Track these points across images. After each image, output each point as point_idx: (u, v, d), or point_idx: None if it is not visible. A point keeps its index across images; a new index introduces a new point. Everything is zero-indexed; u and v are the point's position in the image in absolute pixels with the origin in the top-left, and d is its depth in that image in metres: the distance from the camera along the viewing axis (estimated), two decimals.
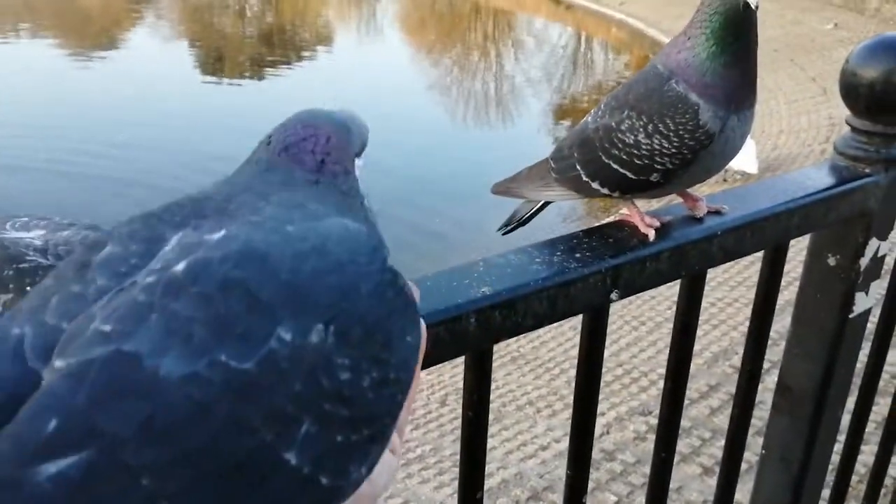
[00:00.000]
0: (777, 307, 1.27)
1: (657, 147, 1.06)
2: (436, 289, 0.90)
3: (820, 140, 10.44)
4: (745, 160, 8.86)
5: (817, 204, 1.21)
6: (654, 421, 1.93)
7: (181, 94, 14.33)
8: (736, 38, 1.04)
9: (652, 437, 3.86)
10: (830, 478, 1.60)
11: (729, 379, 4.79)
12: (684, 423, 4.33)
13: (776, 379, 1.44)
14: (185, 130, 12.06)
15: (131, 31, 21.66)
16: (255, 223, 0.50)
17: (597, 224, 1.11)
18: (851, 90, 1.27)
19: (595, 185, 1.12)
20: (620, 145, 1.08)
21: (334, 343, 0.46)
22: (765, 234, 1.15)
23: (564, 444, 1.81)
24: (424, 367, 0.89)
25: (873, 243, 1.30)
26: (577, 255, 0.99)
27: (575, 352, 1.15)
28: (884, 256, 1.34)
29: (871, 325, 1.46)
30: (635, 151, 1.07)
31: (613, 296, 1.01)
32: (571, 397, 1.08)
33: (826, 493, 1.61)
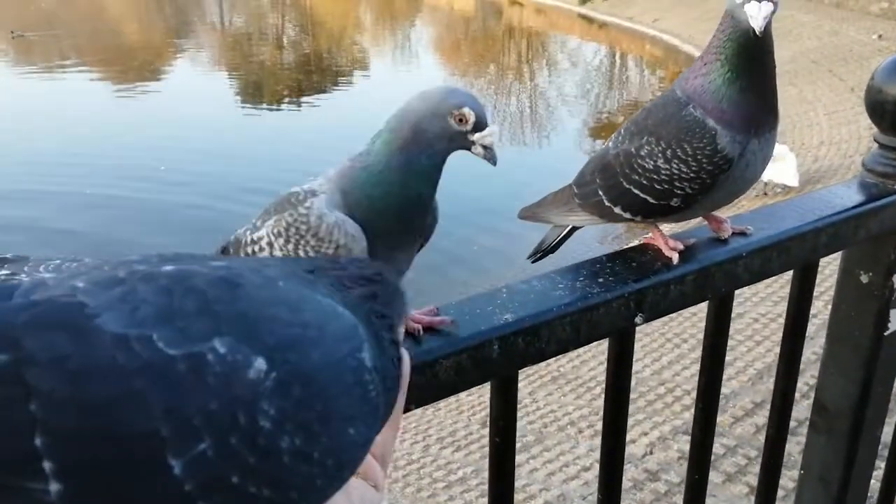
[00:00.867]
0: (815, 325, 1.26)
1: (676, 172, 1.06)
2: (459, 316, 0.91)
3: (861, 151, 10.25)
4: (786, 173, 8.73)
5: (846, 222, 1.20)
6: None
7: (220, 124, 14.59)
8: (750, 63, 1.04)
9: None
10: (873, 499, 1.57)
11: None
12: (729, 441, 4.27)
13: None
14: (225, 161, 12.26)
15: (172, 63, 22.17)
16: (251, 268, 0.54)
17: (620, 249, 1.11)
18: (877, 107, 1.26)
19: (617, 210, 1.13)
20: (640, 171, 1.08)
21: (269, 389, 0.46)
22: (792, 253, 1.15)
23: None
24: (452, 393, 0.90)
25: None
26: (601, 280, 1.00)
27: None
28: None
29: None
30: (655, 177, 1.07)
31: (638, 319, 1.02)
32: None
33: None
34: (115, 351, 0.44)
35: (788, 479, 2.70)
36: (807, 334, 1.29)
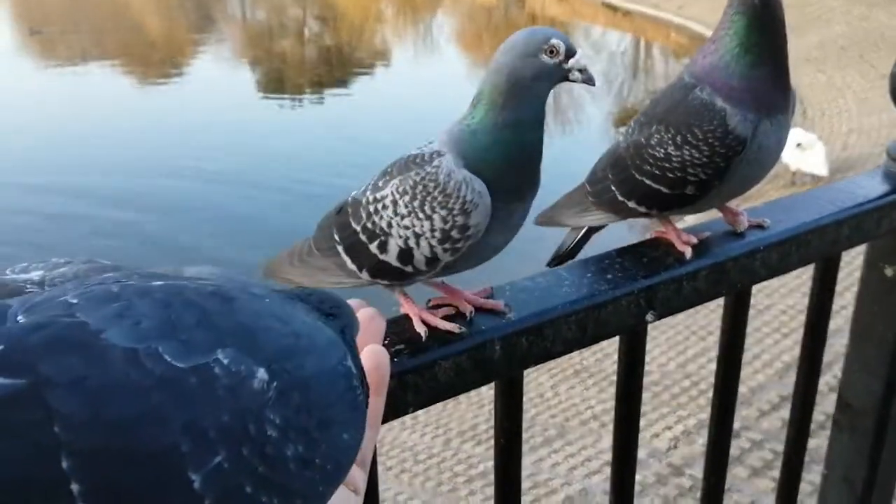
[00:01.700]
0: (843, 317, 1.21)
1: (688, 158, 1.02)
2: (458, 314, 0.88)
3: (894, 138, 10.07)
4: (815, 162, 8.58)
5: (869, 213, 1.15)
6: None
7: (243, 119, 14.63)
8: (760, 36, 1.00)
9: None
10: None
11: None
12: (755, 436, 4.21)
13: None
14: (247, 156, 12.29)
15: (193, 58, 22.27)
16: (239, 285, 0.54)
17: (630, 243, 1.07)
18: None
19: (632, 205, 1.09)
20: (651, 160, 1.05)
21: (272, 399, 0.47)
22: (811, 247, 1.10)
23: None
24: (452, 395, 0.87)
25: None
26: (609, 276, 0.96)
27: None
28: None
29: None
30: (667, 165, 1.03)
31: (649, 317, 0.98)
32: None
33: None
34: (128, 368, 0.45)
35: (816, 473, 2.65)
36: (832, 328, 1.24)
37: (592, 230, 1.20)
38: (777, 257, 1.07)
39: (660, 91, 1.12)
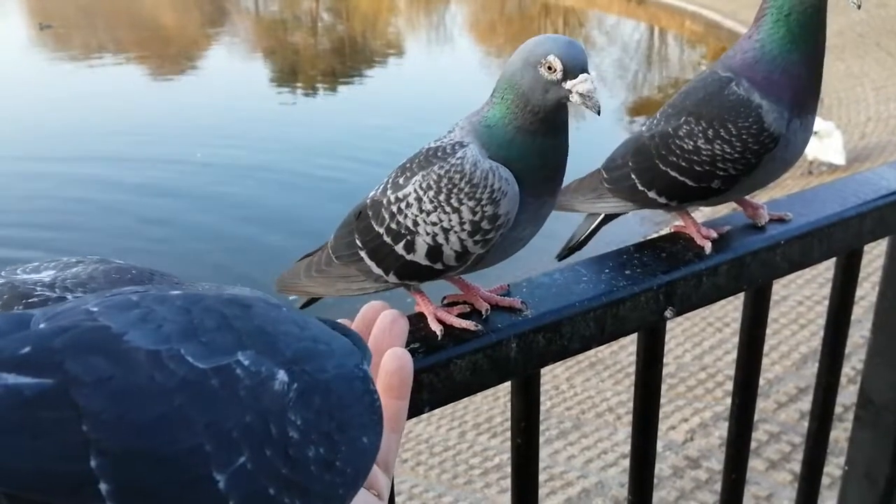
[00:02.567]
0: (863, 308, 1.19)
1: (719, 153, 1.00)
2: (474, 311, 0.87)
3: None
4: (832, 151, 8.48)
5: (893, 206, 1.12)
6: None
7: (256, 111, 14.63)
8: (809, 34, 0.98)
9: None
10: None
11: None
12: (772, 428, 4.18)
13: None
14: (262, 148, 12.30)
15: (207, 51, 22.30)
16: (256, 296, 0.55)
17: (648, 238, 1.05)
18: None
19: (651, 195, 1.07)
20: (679, 152, 1.02)
21: (293, 400, 0.48)
22: (834, 240, 1.08)
23: None
24: (468, 394, 0.86)
25: None
26: (627, 272, 0.95)
27: None
28: None
29: None
30: (695, 158, 1.01)
31: (668, 314, 0.96)
32: None
33: None
34: (152, 369, 0.45)
35: (833, 465, 2.62)
36: (854, 318, 1.22)
37: (607, 219, 1.18)
38: (799, 251, 1.05)
39: (689, 83, 1.09)
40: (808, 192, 1.16)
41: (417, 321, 0.86)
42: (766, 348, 1.13)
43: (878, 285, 1.29)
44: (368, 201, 0.91)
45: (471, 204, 0.82)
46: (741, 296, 1.09)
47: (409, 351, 0.81)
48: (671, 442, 4.20)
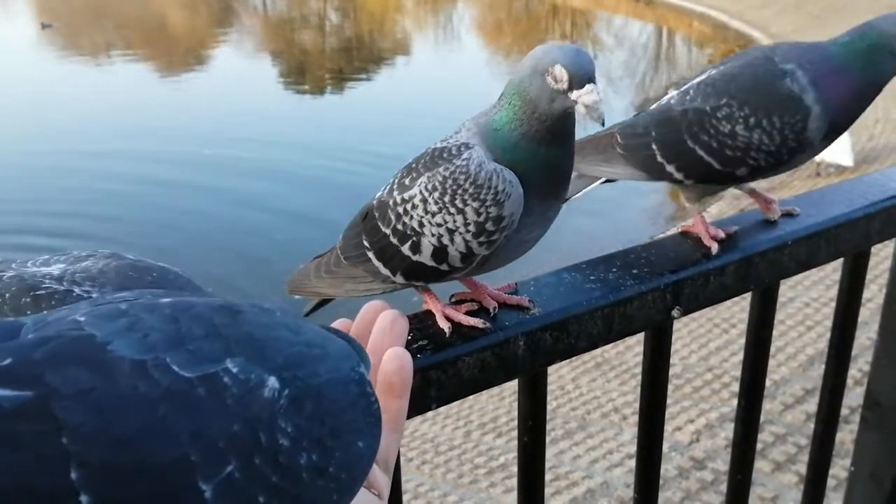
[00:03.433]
0: (869, 310, 1.19)
1: (755, 141, 0.99)
2: (482, 309, 0.87)
3: None
4: (840, 152, 8.47)
5: None
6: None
7: (264, 109, 14.67)
8: (882, 65, 0.99)
9: None
10: None
11: None
12: (778, 429, 4.16)
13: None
14: (269, 145, 12.34)
15: (216, 50, 22.34)
16: (249, 304, 0.54)
17: (656, 238, 1.05)
18: None
19: (669, 169, 1.04)
20: (713, 132, 1.00)
21: (284, 407, 0.47)
22: (841, 241, 1.08)
23: None
24: (475, 392, 0.86)
25: None
26: (635, 271, 0.95)
27: None
28: None
29: None
30: (729, 142, 1.00)
31: (675, 313, 0.96)
32: None
33: None
34: (135, 379, 0.45)
35: (839, 467, 2.61)
36: (861, 320, 1.22)
37: (604, 183, 1.14)
38: (806, 252, 1.05)
39: (731, 65, 1.05)
40: (815, 193, 1.16)
41: (426, 318, 0.86)
42: (772, 350, 1.13)
43: (886, 287, 1.29)
44: (375, 202, 0.92)
45: (475, 205, 0.82)
46: (748, 297, 1.09)
47: (418, 348, 0.82)
48: (677, 443, 4.20)
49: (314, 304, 1.01)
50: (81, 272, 0.83)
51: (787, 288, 5.73)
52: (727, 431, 4.35)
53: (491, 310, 0.87)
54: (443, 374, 0.81)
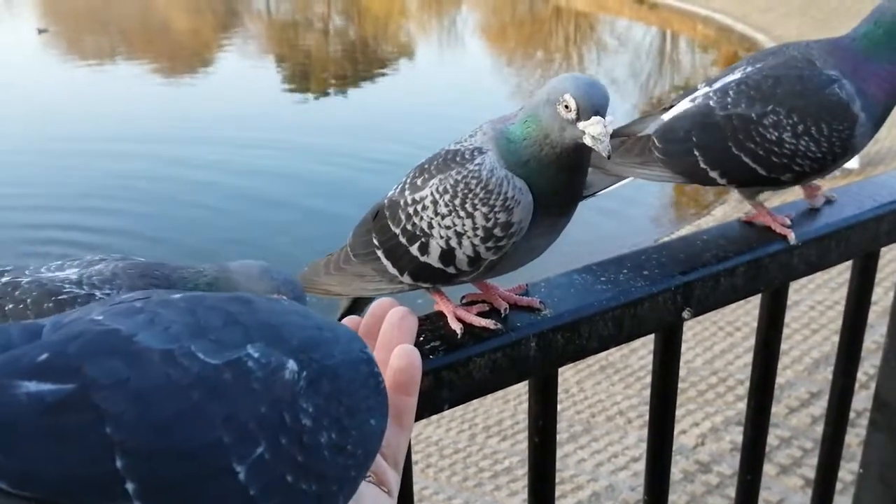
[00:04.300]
0: (875, 313, 1.19)
1: (803, 149, 0.99)
2: (493, 310, 0.87)
3: None
4: None
5: None
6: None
7: (269, 113, 14.70)
8: None
9: None
10: None
11: None
12: (784, 433, 4.16)
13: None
14: (273, 149, 12.36)
15: (220, 54, 22.38)
16: (255, 295, 0.56)
17: (666, 239, 1.06)
18: None
19: (713, 174, 1.03)
20: (759, 140, 1.00)
21: (304, 388, 0.49)
22: (851, 243, 1.08)
23: None
24: (486, 393, 0.87)
25: None
26: (645, 273, 0.95)
27: None
28: None
29: None
30: (776, 149, 0.99)
31: (685, 314, 0.96)
32: None
33: None
34: (165, 368, 0.46)
35: (847, 471, 2.61)
36: (868, 323, 1.22)
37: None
38: (816, 253, 1.05)
39: (771, 63, 1.04)
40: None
41: (437, 319, 0.86)
42: None
43: (894, 289, 1.29)
44: (386, 201, 0.92)
45: (484, 210, 0.83)
46: (753, 300, 1.10)
47: (430, 349, 0.82)
48: (682, 446, 4.19)
49: (344, 309, 1.01)
50: (97, 275, 0.84)
51: (792, 291, 5.68)
52: (732, 435, 4.35)
53: (502, 311, 0.87)
54: (455, 375, 0.82)
